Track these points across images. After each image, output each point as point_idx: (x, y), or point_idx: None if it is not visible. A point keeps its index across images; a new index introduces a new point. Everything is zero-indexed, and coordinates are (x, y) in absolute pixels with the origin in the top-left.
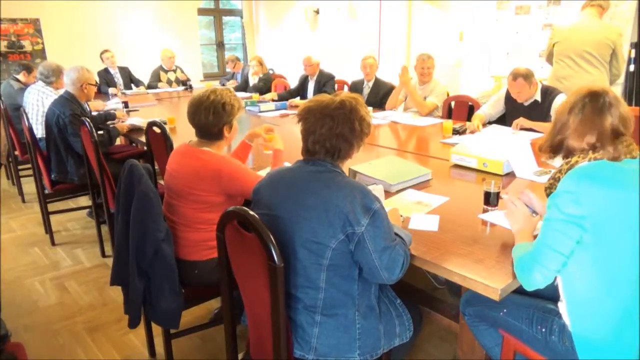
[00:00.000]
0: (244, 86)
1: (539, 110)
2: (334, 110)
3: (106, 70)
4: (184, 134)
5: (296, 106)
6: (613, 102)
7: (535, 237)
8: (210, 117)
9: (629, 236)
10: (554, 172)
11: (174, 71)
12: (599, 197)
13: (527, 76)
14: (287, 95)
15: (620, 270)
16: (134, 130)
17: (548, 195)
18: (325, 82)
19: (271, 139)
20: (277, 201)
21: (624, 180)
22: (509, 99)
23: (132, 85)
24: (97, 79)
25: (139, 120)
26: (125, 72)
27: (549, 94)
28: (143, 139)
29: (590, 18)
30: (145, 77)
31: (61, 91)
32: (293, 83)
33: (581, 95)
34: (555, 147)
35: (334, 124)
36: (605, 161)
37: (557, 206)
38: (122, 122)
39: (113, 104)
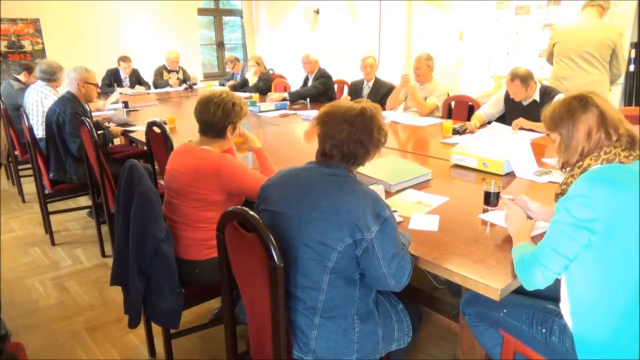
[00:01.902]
0: (243, 86)
1: (537, 110)
2: (354, 117)
3: (116, 71)
4: (184, 133)
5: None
6: (593, 97)
7: (533, 238)
8: (219, 112)
9: (635, 238)
10: (565, 177)
11: (177, 72)
12: (610, 199)
13: (525, 79)
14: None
15: (623, 271)
16: (129, 131)
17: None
18: (317, 77)
19: (243, 141)
20: (287, 199)
21: (634, 182)
22: (508, 99)
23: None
24: (103, 76)
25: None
26: (134, 75)
27: (547, 93)
28: (143, 138)
29: (591, 18)
30: (145, 76)
31: (61, 91)
32: (293, 83)
33: (564, 102)
34: (578, 162)
35: (353, 130)
36: (618, 164)
37: (567, 209)
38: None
39: (110, 104)
